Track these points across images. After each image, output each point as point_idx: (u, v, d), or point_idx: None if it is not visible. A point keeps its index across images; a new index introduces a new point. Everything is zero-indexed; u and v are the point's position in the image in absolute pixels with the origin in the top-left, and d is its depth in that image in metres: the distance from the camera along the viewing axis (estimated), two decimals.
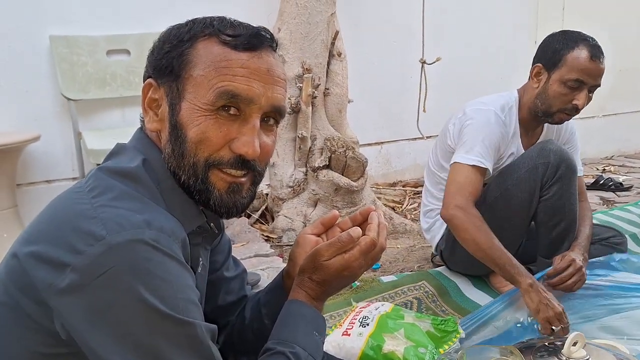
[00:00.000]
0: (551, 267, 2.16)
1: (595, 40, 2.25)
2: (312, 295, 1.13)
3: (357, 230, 1.11)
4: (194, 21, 1.06)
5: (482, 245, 2.10)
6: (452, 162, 2.28)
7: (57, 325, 0.92)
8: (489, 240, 2.10)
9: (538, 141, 2.43)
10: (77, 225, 0.91)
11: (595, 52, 2.20)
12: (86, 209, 0.93)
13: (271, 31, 1.09)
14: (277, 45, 1.09)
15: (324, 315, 2.19)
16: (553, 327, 1.93)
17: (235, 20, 1.07)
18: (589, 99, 2.25)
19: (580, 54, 2.20)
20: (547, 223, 2.24)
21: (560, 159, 2.18)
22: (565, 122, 2.47)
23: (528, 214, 2.26)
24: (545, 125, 2.46)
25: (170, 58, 1.03)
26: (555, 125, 2.47)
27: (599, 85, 2.23)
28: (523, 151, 2.38)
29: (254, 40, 1.03)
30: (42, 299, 0.90)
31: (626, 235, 2.69)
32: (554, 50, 2.26)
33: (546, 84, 2.26)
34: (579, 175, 2.37)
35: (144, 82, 1.09)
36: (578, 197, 2.31)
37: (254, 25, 1.06)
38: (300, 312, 1.12)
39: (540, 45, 2.36)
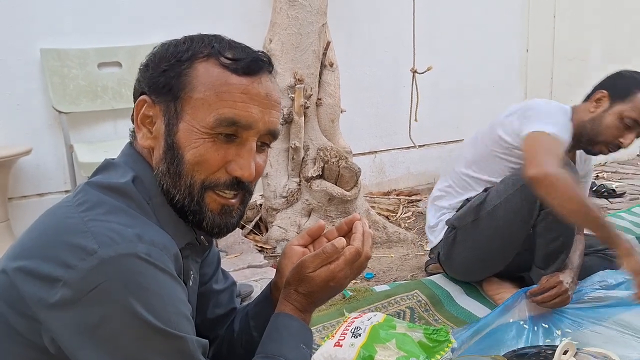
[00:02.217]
0: (536, 285, 2.17)
1: None
2: (299, 307, 1.13)
3: (341, 241, 1.12)
4: (191, 40, 1.06)
5: (578, 204, 1.96)
6: (527, 132, 2.17)
7: (46, 340, 0.92)
8: (584, 200, 2.00)
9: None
10: (67, 240, 0.91)
11: None
12: (76, 224, 0.93)
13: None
14: (273, 69, 1.10)
15: (317, 326, 2.20)
16: None
17: (232, 41, 1.08)
18: (633, 142, 2.28)
19: None
20: (545, 235, 2.23)
21: None
22: (589, 158, 2.52)
23: (527, 225, 2.24)
24: (578, 155, 2.48)
25: (168, 77, 1.03)
26: (582, 157, 2.50)
27: None
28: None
29: (254, 65, 1.04)
30: (32, 313, 0.90)
31: None
32: (626, 84, 2.27)
33: (605, 112, 2.27)
34: None
35: (134, 95, 1.09)
36: (576, 230, 2.29)
37: (253, 49, 1.07)
38: (286, 325, 1.12)
39: (612, 74, 2.37)
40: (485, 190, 2.37)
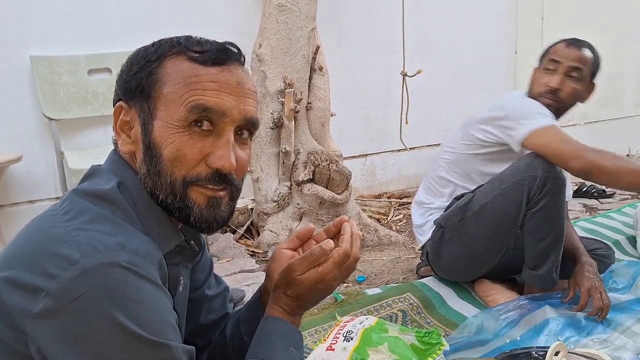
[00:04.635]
0: (568, 299, 2.24)
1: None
2: (288, 310, 1.14)
3: (329, 243, 1.12)
4: (160, 41, 1.07)
5: (633, 167, 2.04)
6: (526, 132, 2.22)
7: (32, 349, 0.92)
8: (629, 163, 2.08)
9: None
10: (51, 250, 0.90)
11: (573, 41, 2.36)
12: (60, 233, 0.93)
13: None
14: (244, 59, 1.09)
15: (309, 330, 2.21)
16: None
17: (201, 38, 1.07)
18: (573, 89, 2.34)
19: (559, 43, 2.38)
20: (534, 235, 2.24)
21: (549, 174, 2.15)
22: None
23: (514, 225, 2.25)
24: None
25: (139, 79, 1.03)
26: None
27: (579, 70, 2.33)
28: None
29: (222, 54, 1.03)
30: (17, 324, 0.90)
31: (611, 245, 2.71)
32: (544, 49, 2.43)
33: (533, 76, 2.44)
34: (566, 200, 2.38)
35: (114, 105, 1.09)
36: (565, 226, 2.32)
37: (221, 41, 1.07)
38: (276, 328, 1.12)
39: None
40: (473, 190, 2.39)
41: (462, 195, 2.43)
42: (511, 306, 2.17)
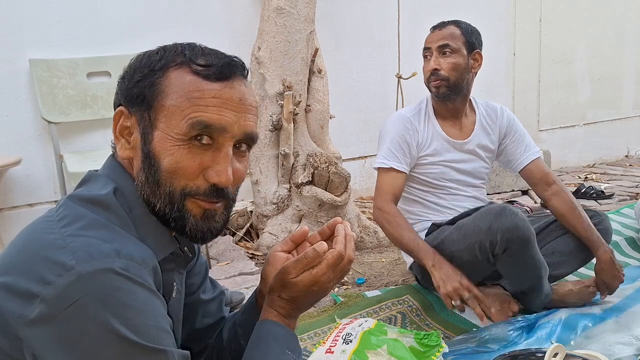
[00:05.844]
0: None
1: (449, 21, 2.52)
2: (283, 313, 1.14)
3: (322, 245, 1.12)
4: (164, 49, 1.06)
5: (394, 238, 2.33)
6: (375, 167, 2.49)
7: (27, 356, 0.92)
8: (399, 232, 2.30)
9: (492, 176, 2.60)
10: (46, 256, 0.90)
11: (437, 24, 2.52)
12: (55, 239, 0.93)
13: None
14: (248, 73, 1.10)
15: (308, 332, 2.21)
16: (453, 302, 2.10)
17: (205, 48, 1.07)
18: (451, 64, 2.43)
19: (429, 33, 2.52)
20: (509, 278, 2.28)
21: (509, 239, 2.07)
22: (500, 111, 2.62)
23: (485, 273, 2.27)
24: (477, 118, 2.60)
25: (141, 87, 1.03)
26: (487, 116, 2.61)
27: (448, 45, 2.43)
28: (450, 139, 2.51)
29: (226, 70, 1.03)
30: (12, 330, 0.90)
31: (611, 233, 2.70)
32: None
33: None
34: (537, 157, 2.51)
35: (114, 108, 1.09)
36: (548, 188, 2.46)
37: (225, 54, 1.07)
38: (271, 332, 1.12)
39: None
40: (452, 223, 2.37)
41: (439, 226, 2.43)
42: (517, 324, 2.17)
